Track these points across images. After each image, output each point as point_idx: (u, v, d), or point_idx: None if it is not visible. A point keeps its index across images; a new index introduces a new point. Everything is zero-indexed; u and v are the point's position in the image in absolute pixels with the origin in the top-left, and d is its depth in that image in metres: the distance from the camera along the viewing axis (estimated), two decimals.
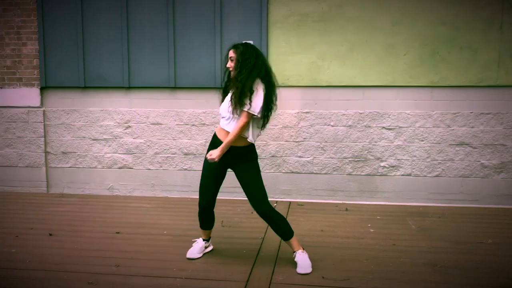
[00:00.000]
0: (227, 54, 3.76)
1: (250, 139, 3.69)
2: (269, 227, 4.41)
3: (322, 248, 4.17)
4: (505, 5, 5.37)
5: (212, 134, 5.82)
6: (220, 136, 3.78)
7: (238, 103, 3.59)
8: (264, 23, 5.66)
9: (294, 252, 3.83)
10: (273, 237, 4.45)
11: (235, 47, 3.72)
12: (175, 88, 5.92)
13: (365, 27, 5.59)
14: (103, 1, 5.90)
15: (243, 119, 3.61)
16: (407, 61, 5.57)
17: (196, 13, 5.78)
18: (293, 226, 4.66)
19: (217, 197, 6.04)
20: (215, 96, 5.72)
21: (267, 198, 3.82)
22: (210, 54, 5.77)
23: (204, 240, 4.11)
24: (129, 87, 5.98)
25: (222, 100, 3.85)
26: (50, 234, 4.51)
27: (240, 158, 3.77)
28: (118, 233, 4.56)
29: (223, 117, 3.78)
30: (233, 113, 3.64)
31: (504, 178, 5.54)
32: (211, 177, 3.86)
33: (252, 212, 5.23)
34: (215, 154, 3.66)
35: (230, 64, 3.72)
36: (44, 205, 5.60)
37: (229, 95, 3.72)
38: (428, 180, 5.65)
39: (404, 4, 5.51)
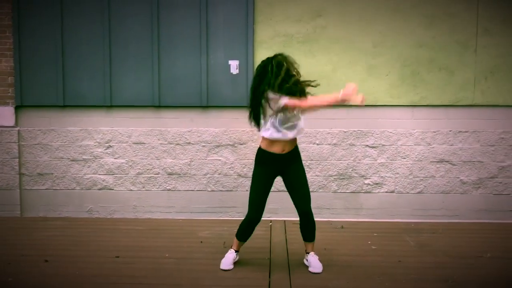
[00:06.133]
0: None
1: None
2: (271, 245, 4.43)
3: (331, 266, 4.19)
4: (479, 29, 5.68)
5: (196, 153, 5.81)
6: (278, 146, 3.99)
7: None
8: (250, 43, 5.69)
9: (308, 253, 4.24)
10: (280, 257, 4.45)
11: None
12: (159, 106, 5.81)
13: (348, 48, 5.74)
14: (84, 16, 5.72)
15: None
16: (389, 81, 5.76)
17: (182, 32, 5.73)
18: (295, 246, 4.70)
19: (212, 218, 5.97)
20: (200, 115, 5.73)
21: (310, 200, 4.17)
22: (196, 72, 5.72)
23: (235, 251, 4.27)
24: (110, 105, 5.81)
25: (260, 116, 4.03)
26: (46, 260, 4.26)
27: (293, 160, 4.07)
28: (117, 257, 4.38)
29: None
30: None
31: (482, 194, 5.80)
32: (264, 190, 4.06)
33: None
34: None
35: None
36: (28, 229, 5.29)
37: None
38: (411, 197, 5.83)
39: (385, 27, 5.70)
